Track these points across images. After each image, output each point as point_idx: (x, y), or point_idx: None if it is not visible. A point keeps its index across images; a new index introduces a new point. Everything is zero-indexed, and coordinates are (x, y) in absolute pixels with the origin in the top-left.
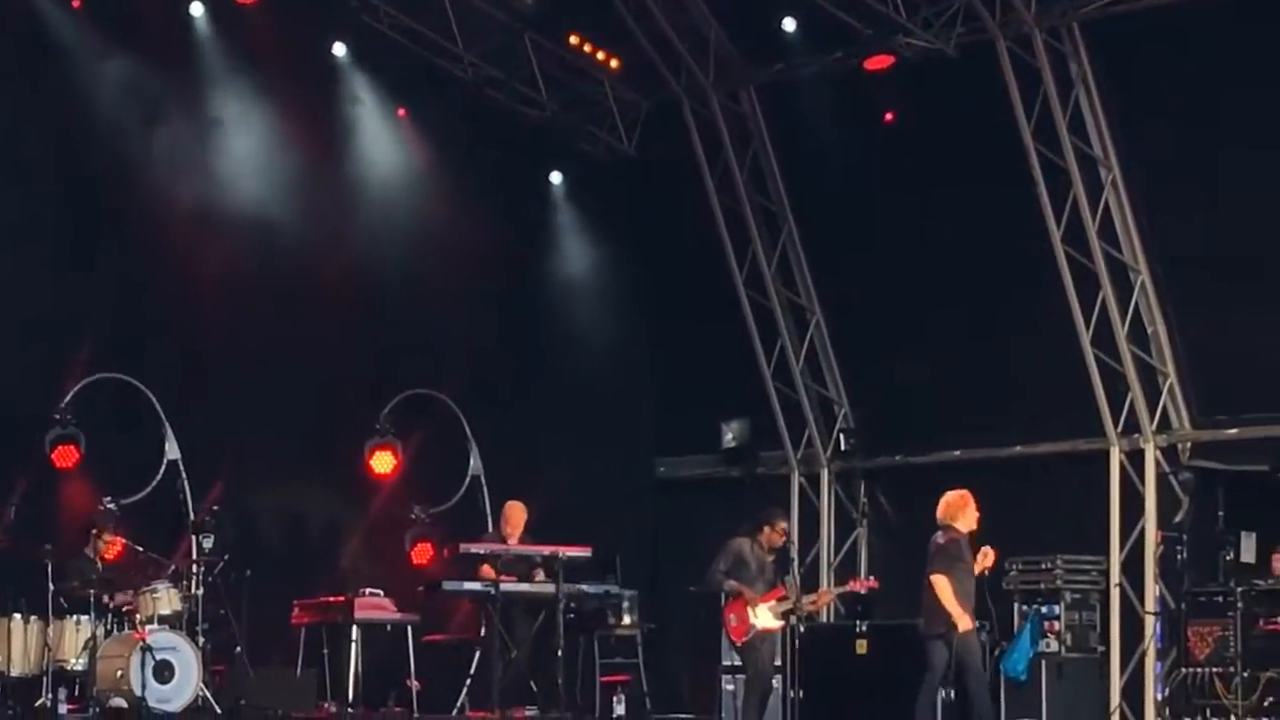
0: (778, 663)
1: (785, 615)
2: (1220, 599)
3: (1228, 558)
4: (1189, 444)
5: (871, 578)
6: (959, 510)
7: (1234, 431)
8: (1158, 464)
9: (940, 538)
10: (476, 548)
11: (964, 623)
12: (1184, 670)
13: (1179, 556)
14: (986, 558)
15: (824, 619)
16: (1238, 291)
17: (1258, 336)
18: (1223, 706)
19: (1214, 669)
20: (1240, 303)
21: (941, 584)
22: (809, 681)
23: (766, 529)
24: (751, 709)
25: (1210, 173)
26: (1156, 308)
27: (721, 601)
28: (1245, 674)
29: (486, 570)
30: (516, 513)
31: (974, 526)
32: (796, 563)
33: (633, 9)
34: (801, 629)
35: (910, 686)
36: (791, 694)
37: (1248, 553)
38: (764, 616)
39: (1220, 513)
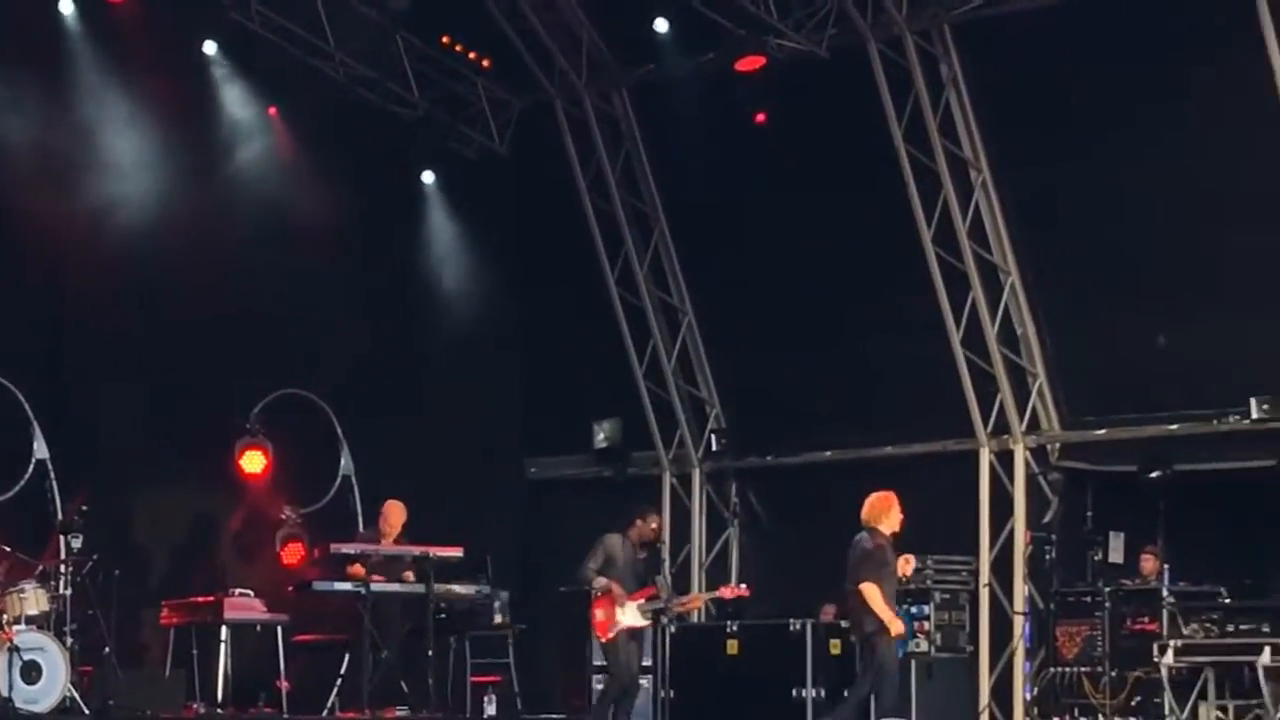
0: (647, 662)
1: (654, 614)
2: (1088, 599)
3: (1096, 558)
4: (1058, 445)
5: (743, 585)
6: (883, 513)
7: (1102, 432)
8: (1027, 464)
9: (866, 542)
10: (347, 548)
11: (896, 627)
12: (1052, 670)
13: (1048, 556)
14: (908, 564)
15: (695, 619)
16: (1106, 293)
17: (1126, 338)
18: (1091, 706)
19: (1082, 668)
20: (1109, 304)
21: (871, 591)
22: (680, 682)
23: (639, 523)
24: (604, 706)
25: (1077, 174)
26: (1026, 309)
27: (591, 599)
28: (1113, 673)
29: (357, 570)
30: (396, 512)
31: (897, 529)
32: (668, 563)
33: (505, 9)
34: (672, 629)
35: (780, 686)
36: (662, 694)
37: (1116, 553)
38: (631, 614)
39: (1089, 513)
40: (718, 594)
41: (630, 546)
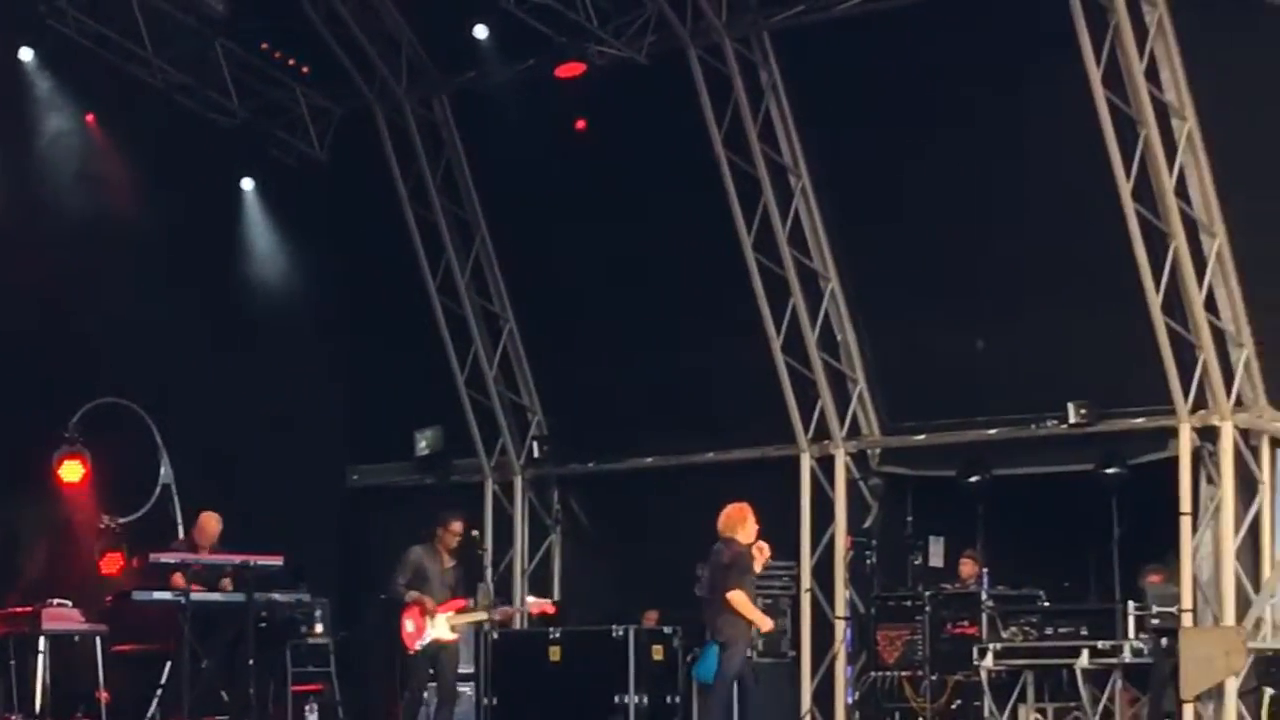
0: (468, 670)
1: (467, 625)
2: (909, 603)
3: (916, 562)
4: (878, 450)
5: (548, 601)
6: (739, 523)
7: (922, 437)
8: (847, 470)
9: (725, 553)
10: (167, 557)
11: (767, 624)
12: (873, 674)
13: (868, 561)
14: (763, 552)
15: (517, 625)
16: (925, 299)
17: (945, 344)
18: (912, 709)
19: (903, 672)
20: (928, 310)
21: (740, 599)
22: (502, 688)
23: (440, 531)
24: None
25: (897, 181)
26: (846, 315)
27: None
28: (934, 677)
29: (177, 579)
30: (211, 524)
31: (753, 538)
32: (490, 570)
33: (324, 16)
34: (495, 636)
35: (602, 692)
36: (485, 701)
37: (936, 557)
38: (441, 626)
39: (909, 518)
40: (528, 608)
41: (437, 556)
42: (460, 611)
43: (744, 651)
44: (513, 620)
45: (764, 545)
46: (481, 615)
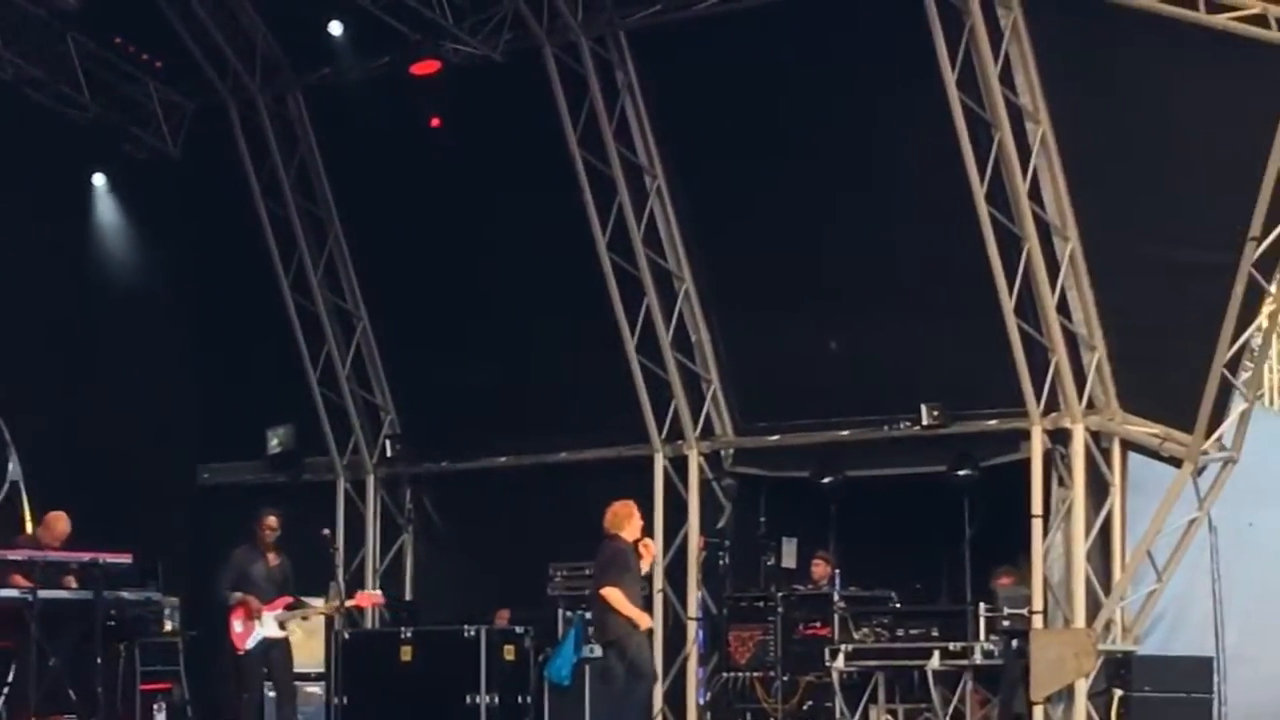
0: (317, 669)
1: (296, 621)
2: (761, 604)
3: (769, 563)
4: (731, 450)
5: (378, 592)
6: (624, 520)
7: (776, 438)
8: (701, 470)
9: (607, 549)
10: (13, 555)
11: (645, 620)
12: (725, 675)
13: (721, 562)
14: (649, 549)
15: (369, 624)
16: (780, 299)
17: (799, 344)
18: (763, 710)
19: (755, 673)
20: (782, 311)
21: (614, 595)
22: (353, 688)
23: (257, 529)
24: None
25: (752, 182)
26: (700, 315)
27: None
28: (785, 678)
29: (16, 579)
30: (59, 523)
31: (639, 534)
32: (342, 570)
33: (178, 11)
34: (346, 636)
35: (454, 692)
36: (335, 700)
37: (789, 558)
38: (269, 625)
39: (762, 519)
40: (354, 602)
41: (260, 554)
42: (289, 608)
43: (641, 642)
44: (339, 613)
45: (649, 543)
46: (310, 610)
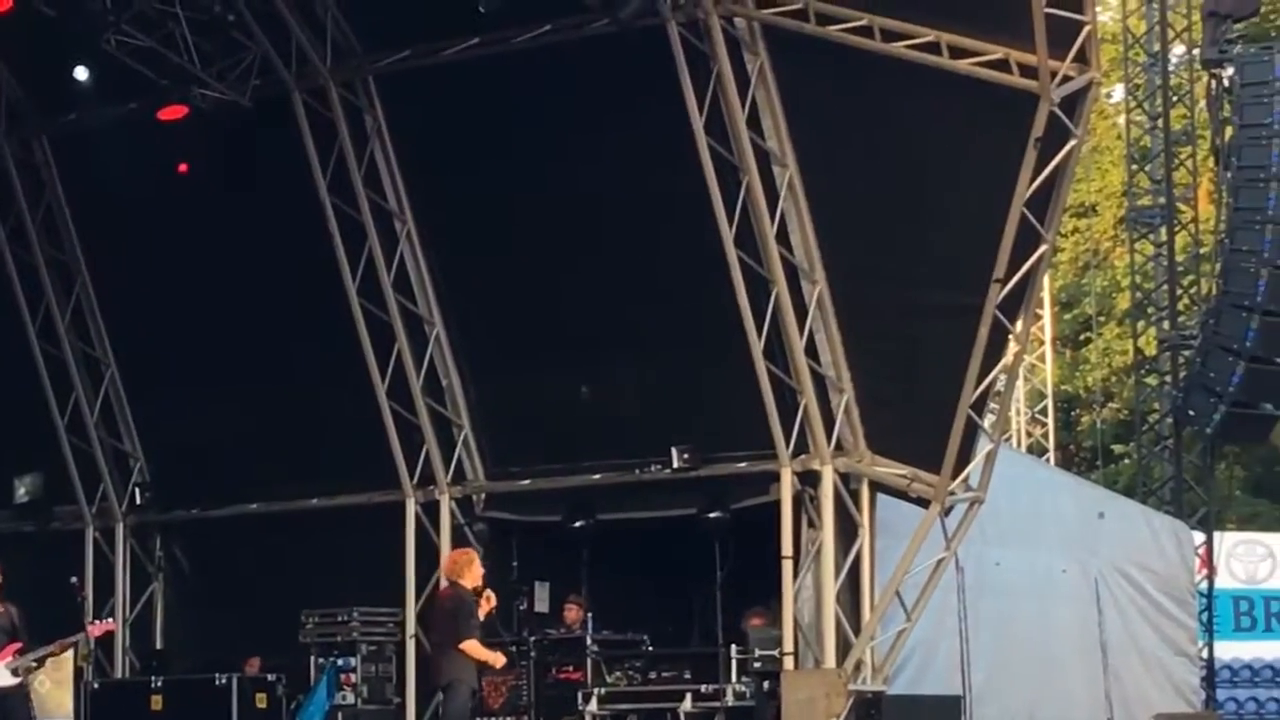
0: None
1: (29, 667)
2: (514, 648)
3: (521, 607)
4: (483, 495)
5: (109, 620)
6: (464, 568)
7: (527, 483)
8: (453, 515)
9: (452, 598)
10: None
11: (499, 660)
12: None
13: None
14: (490, 601)
15: (118, 674)
16: (530, 344)
17: (550, 389)
18: None
19: (508, 717)
20: (533, 355)
21: (473, 648)
22: None
23: None
24: None
25: (503, 226)
26: (451, 360)
27: None
28: None
29: None
30: None
31: (478, 582)
32: (90, 617)
33: None
34: (96, 685)
35: None
36: None
37: (541, 602)
38: (1, 674)
39: (514, 563)
40: (86, 633)
41: None
42: (18, 654)
43: (469, 691)
44: (78, 653)
45: (490, 595)
46: (43, 652)
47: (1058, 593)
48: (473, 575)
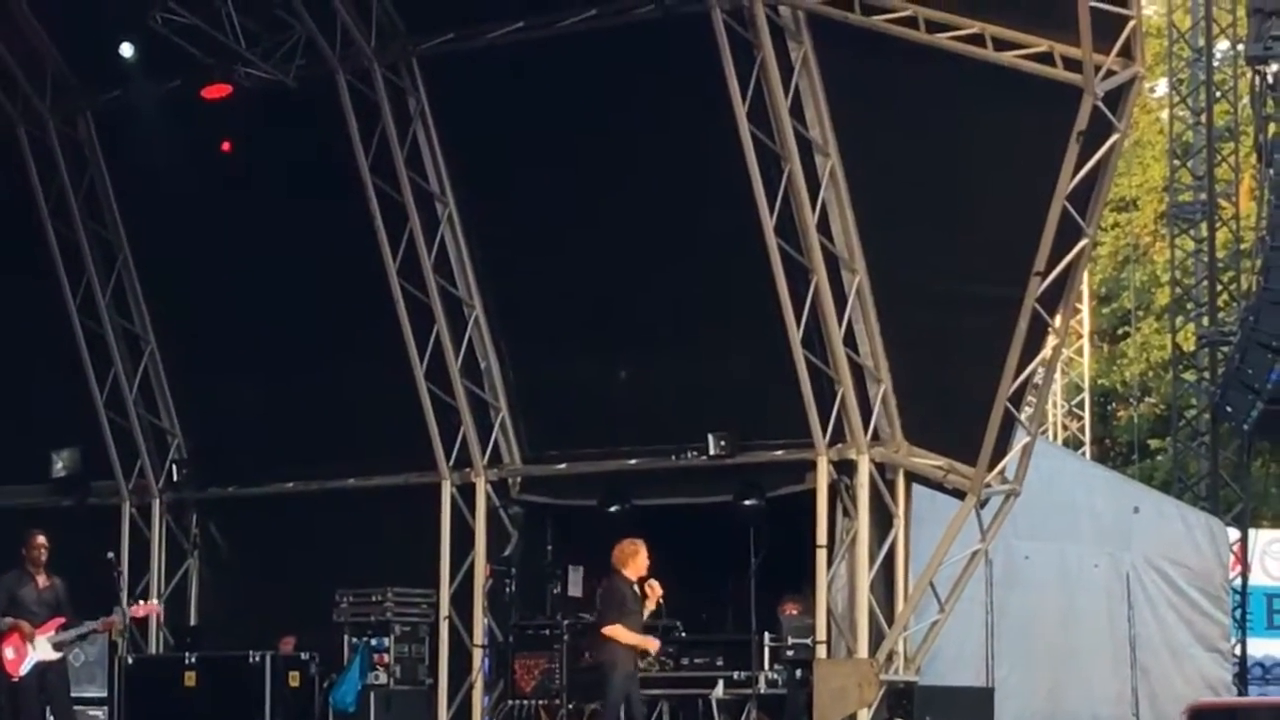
0: (100, 694)
1: (72, 641)
2: (547, 632)
3: (555, 591)
4: (519, 478)
5: (154, 601)
6: (629, 558)
7: (563, 467)
8: (488, 498)
9: (602, 587)
10: None
11: (651, 644)
12: (510, 702)
13: (507, 589)
14: (654, 590)
15: (153, 650)
16: (569, 328)
17: (588, 373)
18: None
19: (540, 701)
20: (571, 340)
21: (617, 631)
22: (135, 714)
23: (25, 551)
24: None
25: (544, 210)
26: (489, 343)
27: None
28: (570, 706)
29: None
30: None
31: (643, 572)
32: (126, 594)
33: None
34: (130, 660)
35: (239, 718)
36: None
37: (574, 586)
38: (43, 648)
39: (549, 546)
40: (132, 612)
41: (29, 577)
42: (61, 629)
43: (621, 675)
44: (115, 628)
45: (654, 584)
46: (85, 629)
47: (1087, 586)
48: (636, 566)
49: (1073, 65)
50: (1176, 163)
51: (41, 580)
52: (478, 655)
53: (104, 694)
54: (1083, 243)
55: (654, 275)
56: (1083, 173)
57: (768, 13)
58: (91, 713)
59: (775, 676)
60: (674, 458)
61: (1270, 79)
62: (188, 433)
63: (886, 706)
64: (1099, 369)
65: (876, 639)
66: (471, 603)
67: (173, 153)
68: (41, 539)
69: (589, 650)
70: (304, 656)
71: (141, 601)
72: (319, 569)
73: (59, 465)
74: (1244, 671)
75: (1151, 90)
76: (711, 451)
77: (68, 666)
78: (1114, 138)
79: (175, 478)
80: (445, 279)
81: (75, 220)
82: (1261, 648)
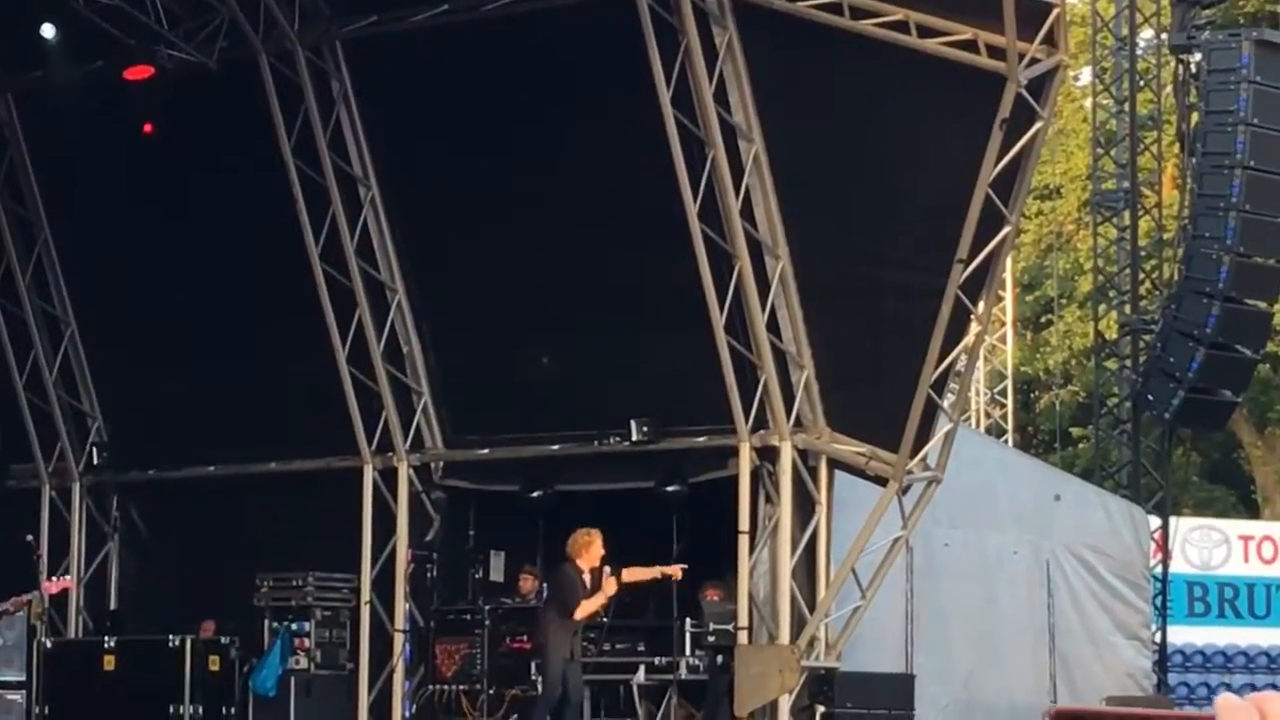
0: (18, 678)
1: None
2: (468, 617)
3: (477, 576)
4: (442, 463)
5: (67, 577)
6: (583, 548)
7: (485, 452)
8: (410, 482)
9: (556, 573)
10: None
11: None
12: (432, 687)
13: (429, 574)
14: (609, 583)
15: (72, 633)
16: (492, 313)
17: (510, 358)
18: None
19: (461, 686)
20: (494, 325)
21: (583, 610)
22: (54, 697)
23: None
24: None
25: (467, 194)
26: (412, 327)
27: None
28: (491, 691)
29: None
30: None
31: (596, 563)
32: (45, 575)
33: None
34: (48, 644)
35: (158, 702)
36: (37, 710)
37: (497, 572)
38: None
39: (471, 532)
40: (45, 589)
41: None
42: None
43: (564, 657)
44: (32, 611)
45: (612, 581)
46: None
47: (1007, 574)
48: (589, 557)
49: (997, 53)
50: (1100, 151)
51: None
52: (399, 640)
53: (22, 677)
54: (1005, 230)
55: (577, 260)
56: (1006, 160)
57: None
58: (9, 696)
59: (697, 662)
60: (597, 443)
61: (1193, 68)
62: (108, 416)
63: (808, 693)
64: (1021, 357)
65: (798, 625)
66: (393, 587)
67: (94, 134)
68: None
69: (526, 635)
70: (224, 641)
71: (55, 578)
72: (240, 553)
73: None
74: (1164, 659)
75: (1075, 78)
76: (634, 437)
77: None
78: (1037, 125)
79: (95, 461)
80: (368, 263)
81: None
82: (1182, 635)
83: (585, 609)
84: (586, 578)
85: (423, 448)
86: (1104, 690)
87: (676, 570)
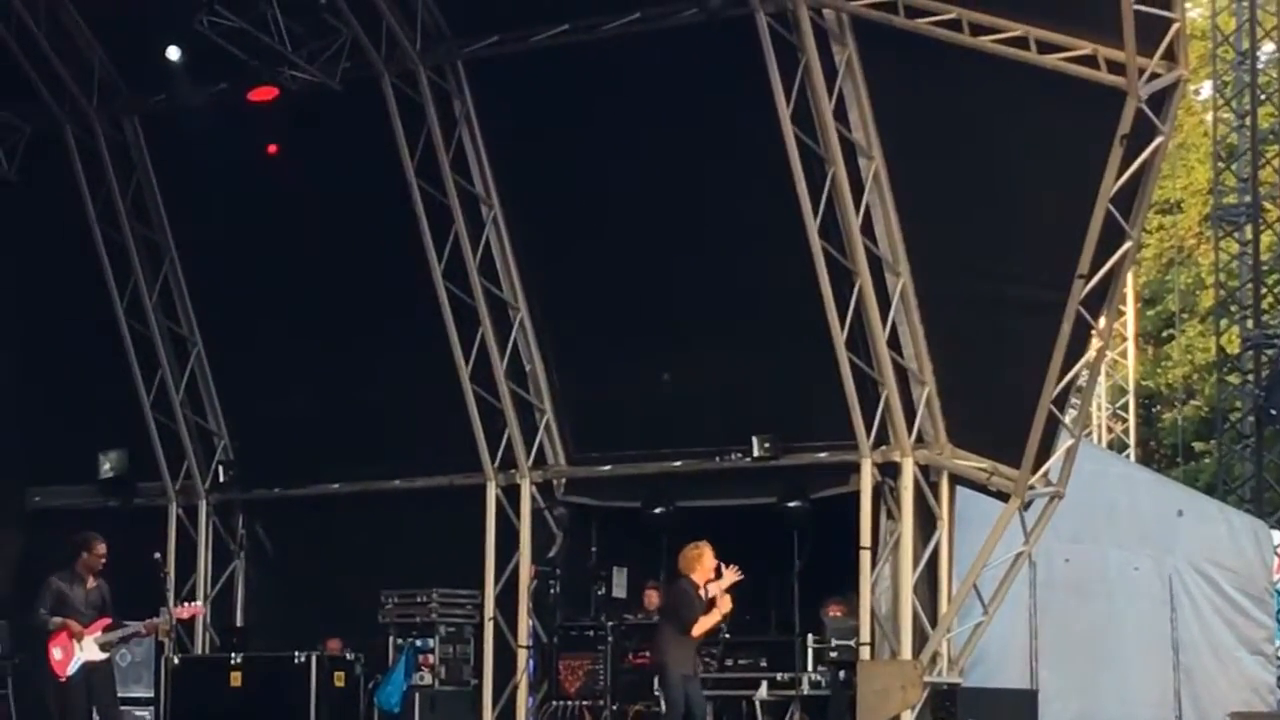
0: (146, 694)
1: (117, 642)
2: (591, 633)
3: (599, 592)
4: (564, 480)
5: (196, 603)
6: (694, 561)
7: (607, 468)
8: (533, 499)
9: (669, 593)
10: None
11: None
12: (555, 703)
13: (552, 591)
14: (722, 600)
15: (199, 650)
16: (614, 330)
17: (632, 375)
18: None
19: (584, 702)
20: (616, 341)
21: (699, 627)
22: (181, 714)
23: (84, 555)
24: None
25: (588, 213)
26: (535, 345)
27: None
28: (614, 707)
29: None
30: None
31: (710, 575)
32: (173, 595)
33: (13, 32)
34: (176, 661)
35: (284, 716)
36: None
37: (619, 588)
38: (90, 648)
39: (593, 548)
40: (177, 613)
41: (79, 580)
42: (107, 629)
43: (685, 673)
44: (160, 630)
45: (724, 595)
46: (130, 630)
47: (1129, 589)
48: (702, 570)
49: (1116, 68)
50: (1221, 165)
51: (90, 582)
52: (522, 656)
53: (150, 694)
54: (1126, 245)
55: (698, 278)
56: (1126, 175)
57: (811, 16)
58: (138, 713)
59: (819, 678)
60: (718, 459)
61: None
62: (234, 434)
63: (930, 708)
64: (1143, 371)
65: (920, 641)
66: (516, 604)
67: (219, 155)
68: (103, 548)
69: (647, 651)
70: (349, 657)
71: (186, 603)
72: (364, 570)
73: (106, 466)
74: None
75: (1196, 93)
76: (756, 453)
77: (114, 667)
78: (1158, 140)
79: (221, 479)
80: (490, 281)
81: (122, 222)
82: None
83: (703, 625)
84: (703, 592)
85: (545, 465)
86: (1228, 705)
87: (726, 596)
